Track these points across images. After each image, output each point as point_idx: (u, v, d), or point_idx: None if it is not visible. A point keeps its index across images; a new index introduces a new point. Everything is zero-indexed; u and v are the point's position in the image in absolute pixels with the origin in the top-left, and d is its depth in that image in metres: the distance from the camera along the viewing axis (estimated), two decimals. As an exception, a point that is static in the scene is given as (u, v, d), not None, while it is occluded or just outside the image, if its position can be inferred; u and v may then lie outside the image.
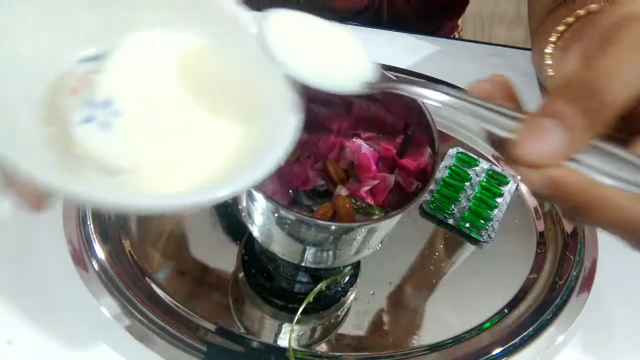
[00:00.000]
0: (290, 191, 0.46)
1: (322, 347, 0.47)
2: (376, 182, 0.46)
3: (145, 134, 0.34)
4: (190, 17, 0.36)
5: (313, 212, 0.45)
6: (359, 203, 0.44)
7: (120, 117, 0.33)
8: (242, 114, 0.35)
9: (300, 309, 0.46)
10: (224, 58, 0.36)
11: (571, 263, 0.52)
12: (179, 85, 0.36)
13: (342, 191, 0.45)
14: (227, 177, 0.31)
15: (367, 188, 0.46)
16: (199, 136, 0.35)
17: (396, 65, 0.63)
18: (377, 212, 0.44)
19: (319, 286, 0.46)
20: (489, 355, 0.47)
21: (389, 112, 0.45)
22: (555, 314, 0.49)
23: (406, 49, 0.68)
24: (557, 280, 0.51)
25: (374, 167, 0.47)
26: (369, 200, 0.45)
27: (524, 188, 0.58)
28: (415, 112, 0.42)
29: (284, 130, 0.32)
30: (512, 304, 0.50)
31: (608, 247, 0.54)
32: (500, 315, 0.50)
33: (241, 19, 0.36)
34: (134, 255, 0.49)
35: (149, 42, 0.36)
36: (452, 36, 0.88)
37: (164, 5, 0.36)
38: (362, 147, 0.47)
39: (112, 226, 0.50)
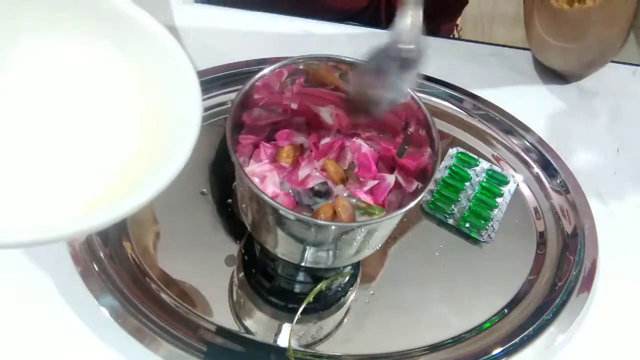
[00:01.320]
0: (291, 191, 0.46)
1: (322, 347, 0.47)
2: (376, 182, 0.46)
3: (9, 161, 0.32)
4: (83, 21, 0.35)
5: (313, 212, 0.45)
6: (359, 203, 0.44)
7: None
8: (136, 126, 0.34)
9: (300, 309, 0.46)
10: (123, 65, 0.35)
11: (571, 263, 0.52)
12: (62, 95, 0.34)
13: (342, 191, 0.45)
14: (109, 201, 0.30)
15: (367, 188, 0.46)
16: (80, 155, 0.33)
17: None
18: (377, 212, 0.44)
19: (319, 286, 0.46)
20: (489, 355, 0.47)
21: (389, 112, 0.45)
22: (555, 314, 0.49)
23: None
24: (557, 281, 0.51)
25: (374, 167, 0.47)
26: (369, 200, 0.45)
27: (524, 188, 0.58)
28: (415, 112, 0.42)
29: (178, 148, 0.31)
30: (512, 304, 0.50)
31: (608, 247, 0.54)
32: (500, 315, 0.50)
33: (141, 19, 0.35)
34: (134, 255, 0.49)
35: (32, 53, 0.34)
36: (451, 36, 0.88)
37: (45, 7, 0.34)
38: (362, 147, 0.48)
39: (112, 226, 0.50)
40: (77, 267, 0.46)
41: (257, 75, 0.42)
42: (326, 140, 0.48)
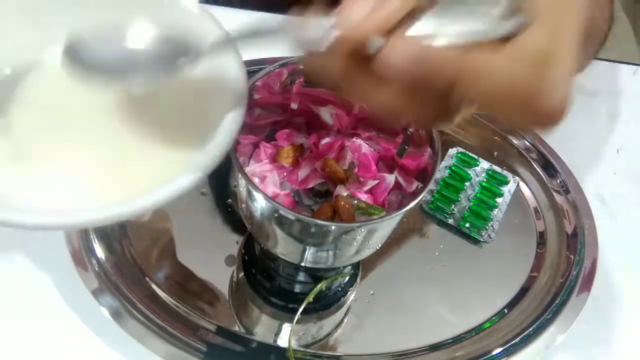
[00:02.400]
0: (290, 191, 0.46)
1: (322, 347, 0.47)
2: (376, 182, 0.46)
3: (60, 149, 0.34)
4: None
5: (313, 212, 0.45)
6: (359, 203, 0.44)
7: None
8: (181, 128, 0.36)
9: (300, 309, 0.46)
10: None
11: (571, 263, 0.52)
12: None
13: (342, 191, 0.45)
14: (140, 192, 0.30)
15: (367, 188, 0.46)
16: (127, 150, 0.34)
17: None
18: (377, 212, 0.44)
19: (319, 286, 0.46)
20: (489, 355, 0.47)
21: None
22: (555, 314, 0.49)
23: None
24: (557, 280, 0.51)
25: (374, 167, 0.47)
26: (369, 201, 0.45)
27: (524, 188, 0.58)
28: None
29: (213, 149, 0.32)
30: (512, 304, 0.50)
31: (608, 247, 0.54)
32: (500, 315, 0.50)
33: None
34: (134, 255, 0.49)
35: None
36: None
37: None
38: (362, 147, 0.48)
39: (112, 226, 0.50)
40: (77, 267, 0.46)
41: (257, 75, 0.42)
42: (326, 141, 0.48)
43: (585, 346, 0.49)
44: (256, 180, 0.45)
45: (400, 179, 0.45)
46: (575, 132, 0.64)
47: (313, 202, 0.45)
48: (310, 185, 0.46)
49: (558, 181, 0.58)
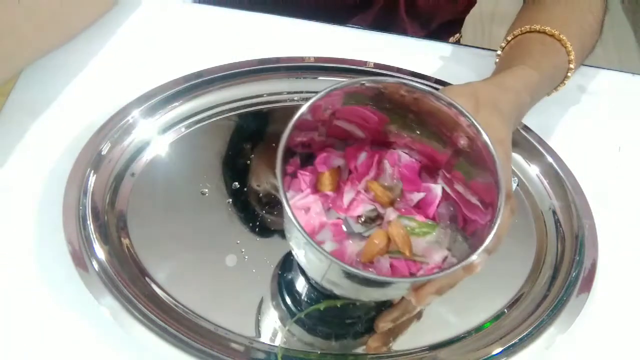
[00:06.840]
0: (341, 224, 0.43)
1: (321, 347, 0.47)
2: (422, 194, 0.44)
3: None
4: None
5: (366, 240, 0.42)
6: (410, 223, 0.42)
7: None
8: None
9: (303, 313, 0.45)
10: None
11: (571, 263, 0.52)
12: None
13: (392, 215, 0.43)
14: None
15: (414, 203, 0.44)
16: None
17: (399, 67, 0.63)
18: (430, 230, 0.42)
19: (330, 302, 0.45)
20: (489, 355, 0.47)
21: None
22: (555, 314, 0.49)
23: (407, 52, 0.68)
24: (557, 281, 0.51)
25: (417, 179, 0.44)
26: (419, 218, 0.43)
27: (524, 188, 0.58)
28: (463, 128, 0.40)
29: None
30: (512, 304, 0.50)
31: (608, 247, 0.54)
32: (500, 315, 0.50)
33: None
34: (134, 255, 0.49)
35: None
36: (456, 34, 0.87)
37: None
38: (401, 157, 0.45)
39: (112, 226, 0.50)
40: (77, 267, 0.46)
41: (311, 101, 0.39)
42: (363, 155, 0.45)
43: (585, 346, 0.49)
44: (301, 212, 0.43)
45: (447, 188, 0.44)
46: (575, 131, 0.64)
47: (364, 228, 0.43)
48: (357, 213, 0.44)
49: (558, 181, 0.58)
